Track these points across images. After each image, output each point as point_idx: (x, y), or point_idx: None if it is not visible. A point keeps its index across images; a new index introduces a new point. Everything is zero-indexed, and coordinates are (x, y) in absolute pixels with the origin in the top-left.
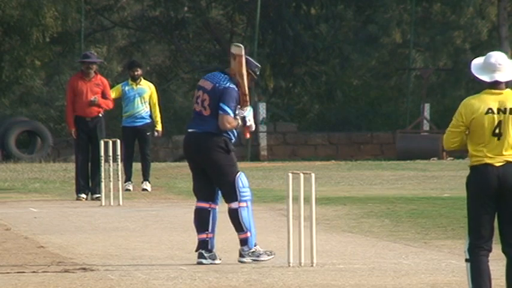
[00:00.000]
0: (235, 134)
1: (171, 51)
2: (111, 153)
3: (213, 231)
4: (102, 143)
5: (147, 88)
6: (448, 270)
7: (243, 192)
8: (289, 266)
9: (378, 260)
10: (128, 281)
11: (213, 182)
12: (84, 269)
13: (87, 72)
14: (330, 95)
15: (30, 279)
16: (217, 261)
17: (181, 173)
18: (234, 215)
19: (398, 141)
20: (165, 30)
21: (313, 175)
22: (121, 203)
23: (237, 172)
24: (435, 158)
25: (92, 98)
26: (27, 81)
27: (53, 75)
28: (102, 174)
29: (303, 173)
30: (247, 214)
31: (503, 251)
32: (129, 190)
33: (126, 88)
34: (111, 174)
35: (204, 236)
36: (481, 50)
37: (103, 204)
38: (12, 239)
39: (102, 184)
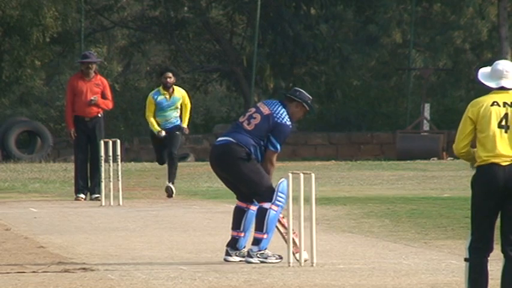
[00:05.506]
0: (259, 158)
1: (171, 51)
2: (111, 153)
3: (244, 231)
4: (102, 143)
5: (179, 97)
6: (448, 270)
7: (280, 197)
8: (289, 266)
9: (378, 260)
10: (127, 281)
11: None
12: (84, 269)
13: (87, 72)
14: (329, 95)
15: (30, 279)
16: (251, 260)
17: (181, 173)
18: (262, 214)
19: (398, 141)
20: (165, 30)
21: (313, 175)
22: (121, 203)
23: (267, 175)
24: (435, 158)
25: (91, 98)
26: (27, 81)
27: (53, 75)
28: (102, 174)
29: (303, 173)
30: (273, 218)
31: (503, 251)
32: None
33: (158, 98)
34: (111, 174)
35: (235, 233)
36: (481, 50)
37: (103, 204)
38: (12, 239)
39: (102, 184)
